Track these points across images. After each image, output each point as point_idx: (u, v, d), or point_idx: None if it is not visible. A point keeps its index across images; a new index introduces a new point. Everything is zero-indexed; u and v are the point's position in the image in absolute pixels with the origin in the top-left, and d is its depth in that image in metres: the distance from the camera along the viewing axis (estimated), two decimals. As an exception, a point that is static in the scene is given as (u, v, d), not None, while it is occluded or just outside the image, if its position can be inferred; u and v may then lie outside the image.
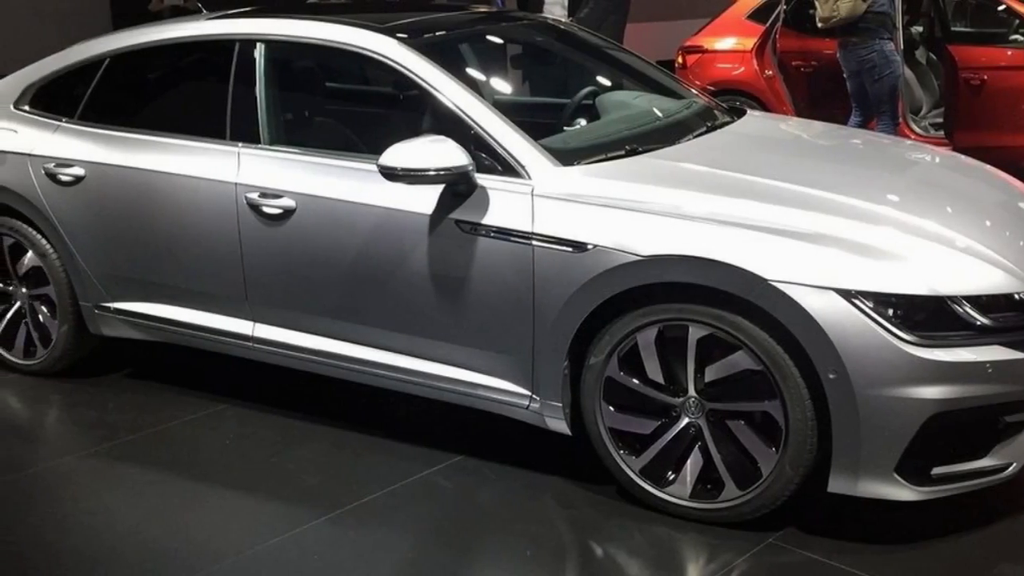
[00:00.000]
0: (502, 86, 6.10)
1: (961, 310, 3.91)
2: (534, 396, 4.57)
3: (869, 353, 3.85)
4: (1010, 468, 4.09)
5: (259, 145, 5.14)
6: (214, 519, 4.58)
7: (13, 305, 6.07)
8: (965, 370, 3.89)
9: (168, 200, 5.32)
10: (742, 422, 4.18)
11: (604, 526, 4.40)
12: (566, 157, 4.60)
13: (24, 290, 6.01)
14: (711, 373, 4.19)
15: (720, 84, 10.71)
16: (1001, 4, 9.43)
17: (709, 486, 4.29)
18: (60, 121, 5.81)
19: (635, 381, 4.33)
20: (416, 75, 4.85)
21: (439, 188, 4.56)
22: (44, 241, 5.81)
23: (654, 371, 4.29)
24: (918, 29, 10.59)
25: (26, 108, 5.98)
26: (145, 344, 5.86)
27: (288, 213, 4.95)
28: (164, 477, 4.94)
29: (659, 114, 5.38)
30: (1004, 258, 4.12)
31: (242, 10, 5.80)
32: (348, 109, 6.15)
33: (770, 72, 10.56)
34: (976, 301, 3.94)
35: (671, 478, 4.35)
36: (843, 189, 4.45)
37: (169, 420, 5.47)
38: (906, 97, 9.68)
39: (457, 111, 4.71)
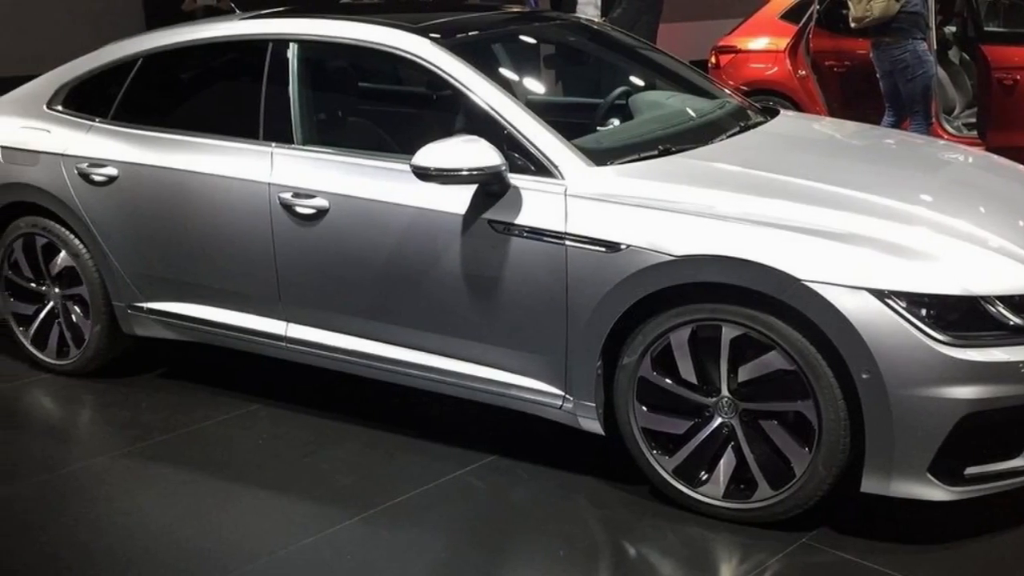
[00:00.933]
0: (535, 86, 6.09)
1: (994, 310, 3.89)
2: (567, 396, 4.57)
3: (902, 353, 3.84)
4: (1044, 469, 4.08)
5: (292, 145, 5.15)
6: (247, 519, 4.60)
7: (46, 305, 6.09)
8: (998, 370, 3.87)
9: (201, 200, 5.34)
10: (775, 422, 4.18)
11: (637, 526, 4.40)
12: (599, 157, 4.60)
13: (57, 290, 6.03)
14: (744, 373, 4.18)
15: (753, 84, 10.72)
16: (1034, 3, 9.39)
17: (742, 486, 4.28)
18: (93, 121, 5.83)
19: (668, 381, 4.33)
20: (449, 75, 4.85)
21: (472, 188, 4.56)
22: (77, 241, 5.83)
23: (687, 371, 4.28)
24: (951, 29, 10.54)
25: (59, 108, 6.00)
26: (178, 344, 5.88)
27: (321, 213, 4.96)
28: (197, 477, 4.96)
29: (692, 114, 5.37)
30: (1038, 258, 4.10)
31: (275, 10, 5.82)
32: (381, 109, 6.14)
33: (803, 72, 10.56)
34: (1009, 301, 3.92)
35: (704, 478, 4.34)
36: (876, 189, 4.43)
37: (202, 420, 5.49)
38: (939, 97, 9.64)
39: (490, 111, 4.71)
